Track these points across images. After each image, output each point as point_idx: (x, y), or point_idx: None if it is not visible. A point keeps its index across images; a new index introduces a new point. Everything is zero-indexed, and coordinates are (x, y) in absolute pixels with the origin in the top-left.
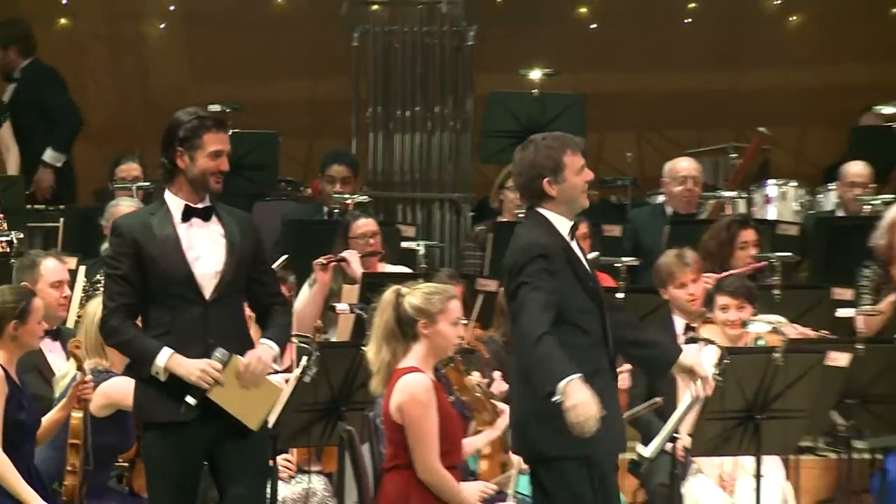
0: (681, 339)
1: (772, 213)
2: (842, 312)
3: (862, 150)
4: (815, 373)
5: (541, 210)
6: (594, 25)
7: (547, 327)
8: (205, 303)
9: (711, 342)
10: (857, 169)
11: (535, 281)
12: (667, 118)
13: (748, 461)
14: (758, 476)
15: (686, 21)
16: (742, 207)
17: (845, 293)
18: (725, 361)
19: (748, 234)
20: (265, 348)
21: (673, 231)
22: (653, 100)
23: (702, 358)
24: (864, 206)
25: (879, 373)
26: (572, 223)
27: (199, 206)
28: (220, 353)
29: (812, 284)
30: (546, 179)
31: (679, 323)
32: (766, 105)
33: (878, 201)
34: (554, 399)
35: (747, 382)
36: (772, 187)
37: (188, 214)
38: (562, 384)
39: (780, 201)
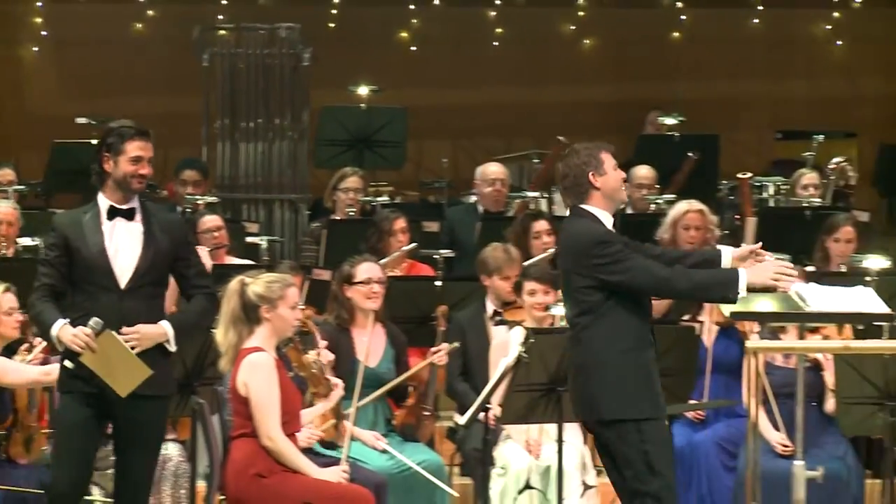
0: (491, 321)
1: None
2: None
3: (647, 156)
4: None
5: (585, 206)
6: (414, 47)
7: (665, 271)
8: (120, 291)
9: (518, 323)
10: (643, 172)
11: (625, 252)
12: (478, 128)
13: (551, 427)
14: (560, 441)
15: (494, 43)
16: (544, 206)
17: None
18: (531, 340)
19: (540, 225)
20: (153, 327)
21: (484, 227)
22: (466, 112)
23: (512, 337)
24: (650, 205)
25: (665, 350)
26: (612, 219)
27: (124, 206)
28: (94, 322)
29: None
30: (591, 173)
31: (490, 307)
32: (565, 116)
33: (662, 200)
34: (741, 295)
35: (550, 359)
36: None
37: (113, 213)
38: (741, 280)
39: None
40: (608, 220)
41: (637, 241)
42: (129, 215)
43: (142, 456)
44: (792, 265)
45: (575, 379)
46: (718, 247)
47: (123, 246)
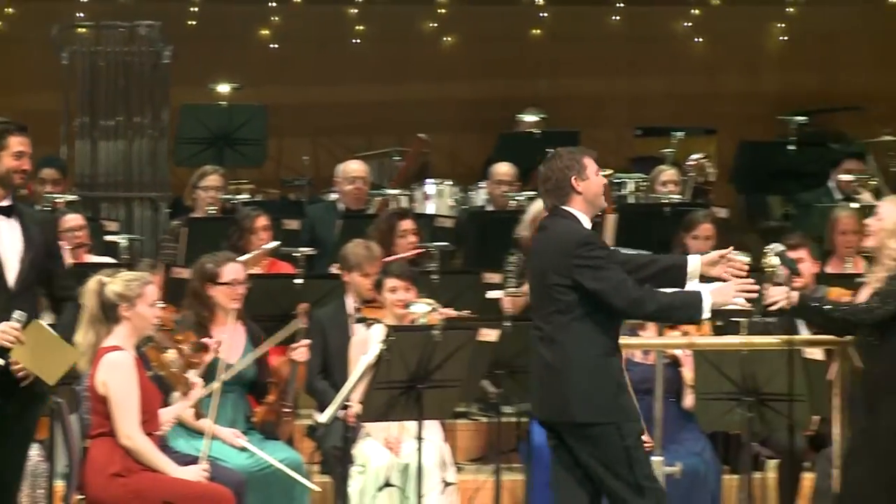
0: (351, 318)
1: (430, 209)
2: (491, 294)
3: (507, 153)
4: (469, 347)
5: (566, 208)
6: (275, 45)
7: (637, 292)
8: (9, 292)
9: (378, 321)
10: (503, 169)
11: (609, 262)
12: (339, 125)
13: (412, 425)
14: (419, 438)
15: (355, 41)
16: (405, 204)
17: (494, 277)
18: (391, 338)
19: (406, 224)
20: None
21: (345, 225)
22: (326, 109)
23: (372, 335)
24: (510, 202)
25: (524, 347)
26: (591, 224)
27: (3, 203)
28: (17, 314)
29: (465, 270)
30: (574, 177)
31: (350, 305)
32: (425, 114)
33: (522, 197)
34: (705, 316)
35: (410, 356)
36: (430, 186)
37: None
38: (705, 303)
39: (437, 198)
40: (587, 224)
41: (613, 249)
42: (6, 213)
43: (12, 454)
44: (753, 281)
45: (542, 378)
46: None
47: (5, 245)
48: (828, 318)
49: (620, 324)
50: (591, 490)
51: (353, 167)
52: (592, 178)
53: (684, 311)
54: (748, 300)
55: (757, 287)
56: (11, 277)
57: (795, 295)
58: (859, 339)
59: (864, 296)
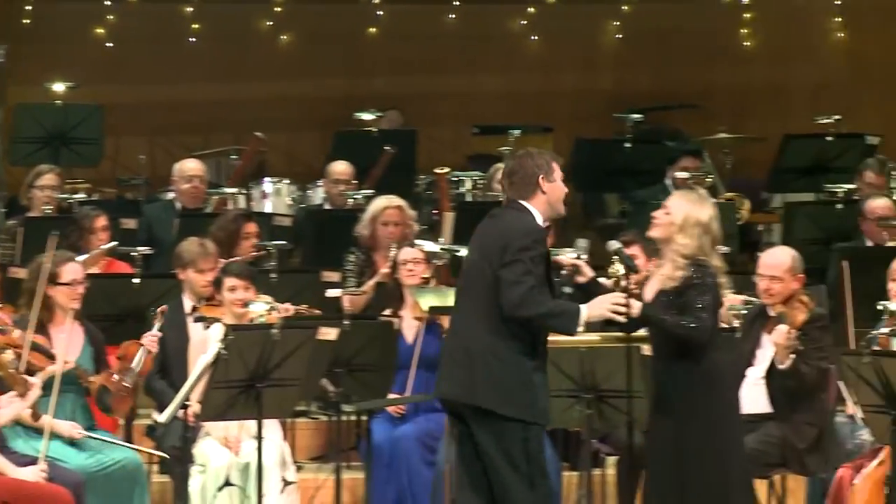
0: (189, 318)
1: (268, 207)
2: (331, 293)
3: (344, 152)
4: (308, 346)
5: (525, 203)
6: (110, 44)
7: (531, 295)
8: None
9: (217, 320)
10: (340, 168)
11: (531, 265)
12: (176, 124)
13: (251, 424)
14: (259, 437)
15: (191, 39)
16: (242, 202)
17: (333, 276)
18: (230, 337)
19: (251, 227)
20: None
21: (182, 224)
22: (163, 108)
23: (211, 334)
24: (348, 200)
25: (363, 345)
26: (547, 226)
27: None
28: None
29: (304, 269)
30: (542, 176)
31: (188, 303)
32: (262, 112)
33: (360, 196)
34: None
35: (249, 355)
36: (268, 184)
37: None
38: (581, 315)
39: (275, 197)
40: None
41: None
42: None
43: None
44: (625, 295)
45: (455, 357)
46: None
47: None
48: (670, 334)
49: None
50: (489, 485)
51: (190, 166)
52: (558, 183)
53: (560, 321)
54: (622, 313)
55: (627, 301)
56: None
57: (634, 309)
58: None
59: (651, 291)
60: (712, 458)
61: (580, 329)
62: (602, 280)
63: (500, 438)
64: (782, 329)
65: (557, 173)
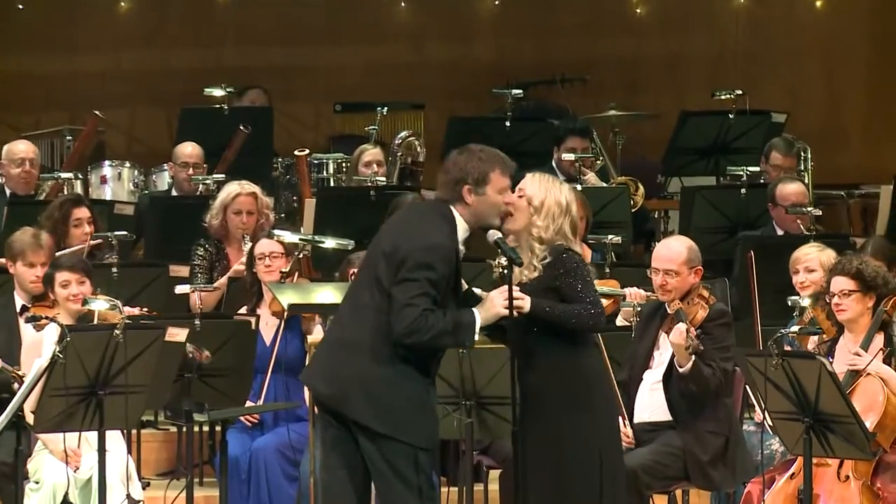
0: (20, 318)
1: (108, 193)
2: (179, 289)
3: (192, 132)
4: (155, 348)
5: (452, 207)
6: None
7: (426, 333)
8: None
9: (52, 320)
10: (187, 150)
11: (428, 286)
12: (3, 102)
13: (92, 436)
14: (101, 450)
15: (19, 7)
16: (79, 188)
17: (182, 270)
18: (67, 339)
19: (81, 212)
20: None
21: (12, 211)
22: None
23: (45, 336)
24: (198, 186)
25: (220, 346)
26: (468, 234)
27: None
28: None
29: (149, 262)
30: (467, 187)
31: (19, 301)
32: (99, 88)
33: (210, 181)
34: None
35: (89, 359)
36: (107, 168)
37: None
38: (476, 324)
39: (115, 181)
40: (463, 234)
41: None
42: None
43: None
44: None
45: (343, 359)
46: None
47: None
48: (562, 325)
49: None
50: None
51: (21, 148)
52: (491, 197)
53: (454, 338)
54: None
55: (523, 296)
56: None
57: (527, 301)
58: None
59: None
60: (593, 460)
61: (476, 339)
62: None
63: (386, 450)
64: (681, 328)
65: (494, 185)
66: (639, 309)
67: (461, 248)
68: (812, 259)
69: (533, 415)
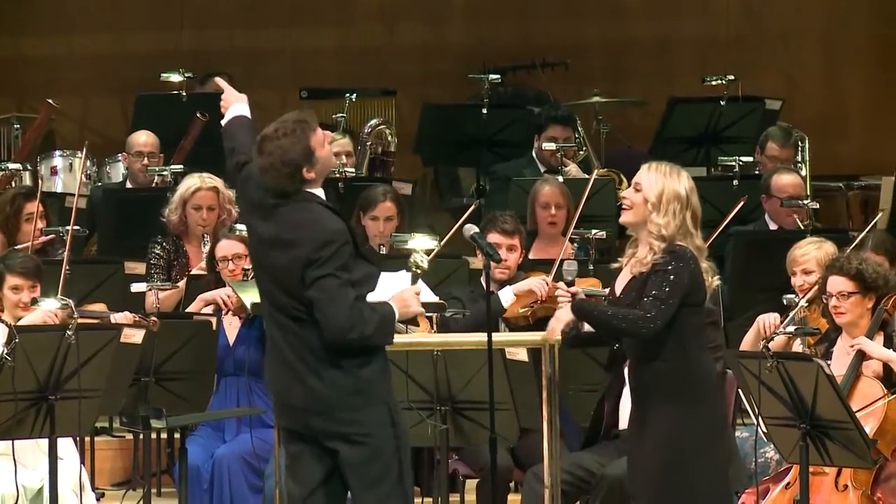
0: None
1: (59, 185)
2: (136, 287)
3: (148, 119)
4: (110, 350)
5: (309, 190)
6: None
7: (359, 330)
8: None
9: (2, 321)
10: (143, 139)
11: (343, 273)
12: None
13: (43, 443)
14: (53, 459)
15: None
16: (27, 180)
17: (138, 268)
18: (15, 340)
19: (33, 207)
20: None
21: None
22: None
23: None
24: (154, 177)
25: (176, 349)
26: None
27: None
28: None
29: (103, 259)
30: (304, 168)
31: None
32: (50, 73)
33: (167, 172)
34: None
35: (39, 361)
36: (58, 158)
37: None
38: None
39: (67, 173)
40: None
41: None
42: None
43: None
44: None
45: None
46: None
47: None
48: (610, 328)
49: None
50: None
51: None
52: (320, 156)
53: (383, 335)
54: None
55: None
56: None
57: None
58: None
59: (620, 283)
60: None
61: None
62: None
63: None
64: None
65: (318, 145)
66: None
67: None
68: (809, 260)
69: (640, 414)
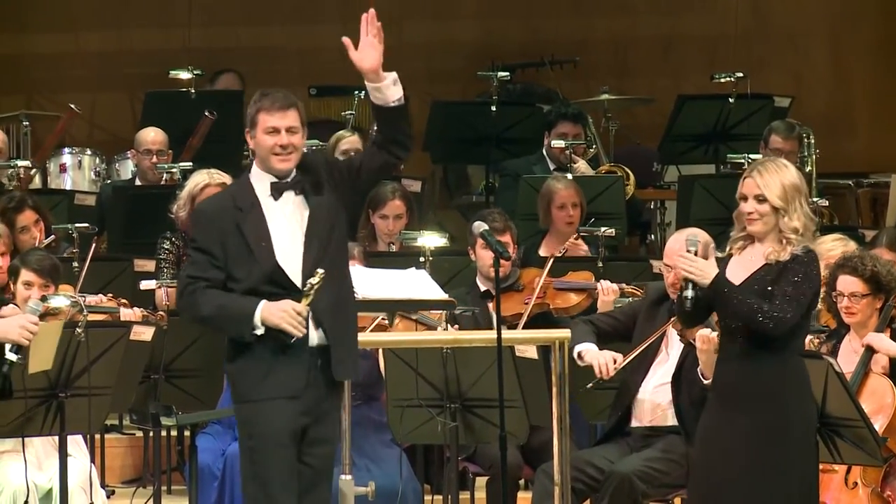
0: None
1: (68, 183)
2: (145, 285)
3: (157, 116)
4: (120, 347)
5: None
6: None
7: (192, 311)
8: None
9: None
10: (151, 136)
11: (195, 254)
12: None
13: (53, 441)
14: (63, 456)
15: None
16: (37, 178)
17: (147, 265)
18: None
19: (25, 218)
20: None
21: None
22: None
23: None
24: (163, 175)
25: (186, 347)
26: (276, 181)
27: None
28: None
29: (113, 256)
30: (247, 131)
31: None
32: (58, 70)
33: (176, 169)
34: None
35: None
36: (67, 156)
37: None
38: (257, 314)
39: (75, 170)
40: (264, 185)
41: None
42: None
43: None
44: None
45: None
46: None
47: None
48: (742, 314)
49: None
50: None
51: None
52: (259, 137)
53: (235, 323)
54: None
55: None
56: None
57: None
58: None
59: (735, 274)
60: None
61: (260, 332)
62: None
63: None
64: (706, 333)
65: (261, 125)
66: (618, 305)
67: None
68: (836, 258)
69: (723, 410)
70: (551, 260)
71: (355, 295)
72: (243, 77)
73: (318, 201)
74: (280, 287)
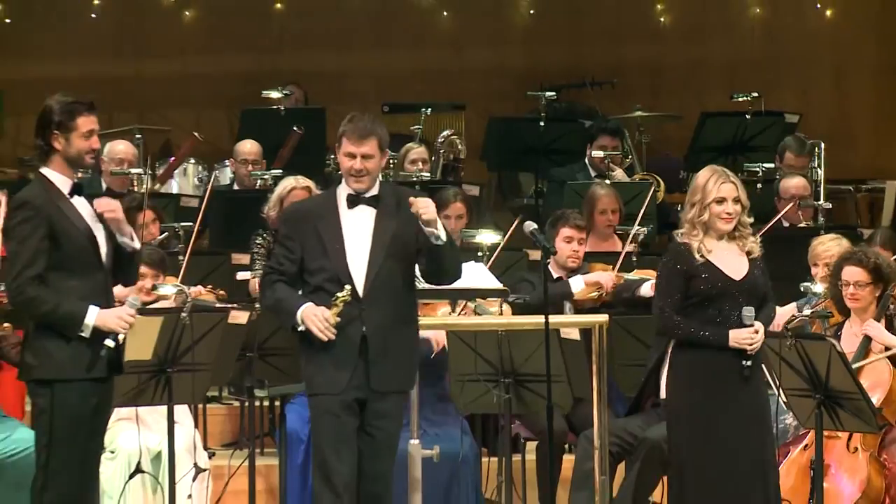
0: None
1: (174, 188)
2: (241, 275)
3: (252, 130)
4: (219, 330)
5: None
6: (9, 20)
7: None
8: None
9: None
10: (247, 147)
11: (275, 247)
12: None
13: (162, 409)
14: (170, 423)
15: (92, 15)
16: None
17: (243, 258)
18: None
19: (142, 216)
20: None
21: None
22: (65, 86)
23: None
24: (257, 181)
25: (275, 329)
26: (353, 194)
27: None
28: (133, 299)
29: (213, 251)
30: (336, 146)
31: None
32: (167, 90)
33: (268, 176)
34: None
35: (160, 339)
36: None
37: None
38: (298, 316)
39: (181, 177)
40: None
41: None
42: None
43: None
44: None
45: None
46: None
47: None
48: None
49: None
50: None
51: (120, 148)
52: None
53: (285, 319)
54: None
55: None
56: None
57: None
58: None
59: (732, 263)
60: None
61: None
62: None
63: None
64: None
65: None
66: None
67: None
68: (832, 256)
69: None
70: (622, 255)
71: (417, 302)
72: (304, 88)
73: (387, 218)
74: (341, 287)
